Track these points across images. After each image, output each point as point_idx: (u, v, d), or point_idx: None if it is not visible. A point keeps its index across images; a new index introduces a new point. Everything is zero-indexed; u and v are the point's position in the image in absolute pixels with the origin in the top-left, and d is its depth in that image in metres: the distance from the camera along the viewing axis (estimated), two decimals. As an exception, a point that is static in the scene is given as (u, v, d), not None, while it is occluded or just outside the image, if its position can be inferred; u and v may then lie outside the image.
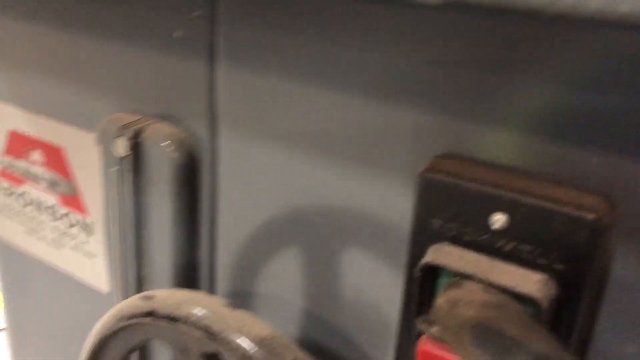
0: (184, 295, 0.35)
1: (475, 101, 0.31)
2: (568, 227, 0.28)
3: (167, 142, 0.43)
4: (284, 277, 0.42)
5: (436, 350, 0.31)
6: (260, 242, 0.43)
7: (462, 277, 0.30)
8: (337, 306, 0.41)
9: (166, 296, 0.36)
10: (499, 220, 0.29)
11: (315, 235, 0.40)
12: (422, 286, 0.31)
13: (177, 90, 0.44)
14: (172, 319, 0.34)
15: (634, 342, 0.29)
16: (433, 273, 0.31)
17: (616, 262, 0.29)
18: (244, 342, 0.30)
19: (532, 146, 0.30)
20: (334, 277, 0.40)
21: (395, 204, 0.35)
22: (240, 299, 0.45)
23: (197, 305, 0.33)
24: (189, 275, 0.46)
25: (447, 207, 0.31)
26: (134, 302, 0.37)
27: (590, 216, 0.27)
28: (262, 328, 0.31)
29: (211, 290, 0.47)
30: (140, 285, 0.48)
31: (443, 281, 0.30)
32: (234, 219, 0.43)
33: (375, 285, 0.38)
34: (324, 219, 0.39)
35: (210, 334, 0.31)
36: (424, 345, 0.32)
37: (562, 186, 0.29)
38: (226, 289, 0.46)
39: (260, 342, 0.30)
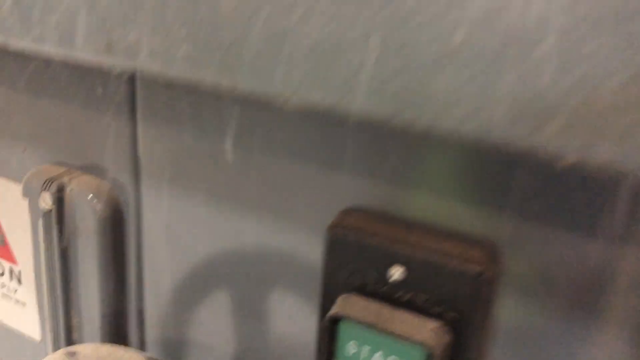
0: (107, 350, 0.36)
1: (376, 159, 0.33)
2: (456, 279, 0.30)
3: (91, 195, 0.44)
4: (211, 324, 0.44)
5: (346, 395, 0.33)
6: (187, 290, 0.44)
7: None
8: (265, 352, 0.42)
9: (90, 352, 0.36)
10: (396, 272, 0.32)
11: (238, 282, 0.41)
12: (331, 336, 0.33)
13: (101, 142, 0.45)
14: (95, 375, 0.35)
15: (521, 380, 0.32)
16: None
17: (503, 309, 0.32)
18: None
19: (427, 200, 0.33)
20: (259, 324, 0.42)
21: (310, 252, 0.37)
22: (170, 347, 0.46)
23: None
24: (118, 325, 0.47)
25: (351, 260, 0.33)
26: (57, 358, 0.37)
27: (474, 269, 0.30)
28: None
29: (141, 338, 0.48)
30: (70, 334, 0.49)
31: (344, 327, 0.33)
32: (159, 269, 0.45)
33: (299, 331, 0.40)
34: (246, 267, 0.41)
35: (130, 391, 0.32)
36: (335, 391, 0.34)
37: (453, 239, 0.32)
38: (156, 337, 0.47)
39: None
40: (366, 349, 0.32)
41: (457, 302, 0.31)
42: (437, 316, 0.31)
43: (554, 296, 0.30)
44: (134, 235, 0.45)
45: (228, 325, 0.43)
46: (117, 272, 0.45)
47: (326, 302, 0.34)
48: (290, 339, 0.40)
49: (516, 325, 0.32)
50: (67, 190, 0.45)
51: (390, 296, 0.32)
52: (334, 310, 0.33)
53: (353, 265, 0.33)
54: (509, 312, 0.32)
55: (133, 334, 0.48)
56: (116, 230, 0.45)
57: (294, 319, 0.40)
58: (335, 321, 0.33)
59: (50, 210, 0.45)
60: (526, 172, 0.29)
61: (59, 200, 0.45)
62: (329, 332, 0.33)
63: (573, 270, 0.30)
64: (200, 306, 0.44)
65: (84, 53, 0.29)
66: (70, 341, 0.49)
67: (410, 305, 0.32)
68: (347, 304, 0.33)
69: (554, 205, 0.29)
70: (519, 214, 0.30)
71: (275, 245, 0.39)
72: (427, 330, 0.31)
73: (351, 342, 0.33)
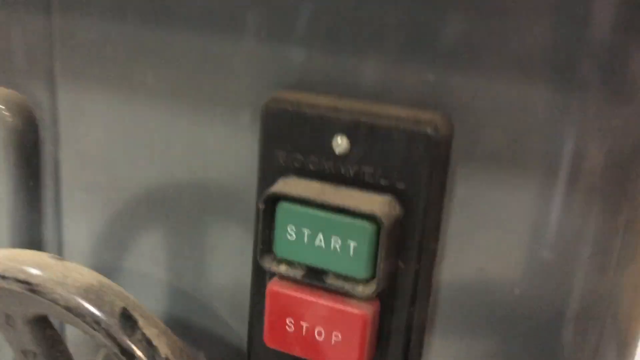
0: (7, 251, 0.31)
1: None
2: (407, 143, 0.27)
3: (2, 107, 0.39)
4: (139, 249, 0.39)
5: (284, 289, 0.29)
6: (110, 213, 0.39)
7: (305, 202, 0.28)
8: (200, 279, 0.38)
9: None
10: (341, 144, 0.28)
11: (173, 202, 0.37)
12: (268, 221, 0.29)
13: (11, 49, 0.40)
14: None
15: (473, 256, 0.29)
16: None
17: (456, 182, 0.28)
18: (65, 292, 0.27)
19: (368, 70, 0.29)
20: (192, 245, 0.37)
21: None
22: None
23: (18, 258, 0.29)
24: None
25: (290, 137, 0.29)
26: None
27: (428, 130, 0.27)
28: (91, 277, 0.28)
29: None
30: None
31: (283, 208, 0.29)
32: (80, 189, 0.40)
33: (236, 251, 0.36)
34: (181, 189, 0.36)
35: (30, 287, 0.27)
36: (273, 285, 0.30)
37: (400, 106, 0.28)
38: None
39: (85, 290, 0.27)
40: (306, 232, 0.28)
41: (408, 171, 0.27)
42: (387, 190, 0.28)
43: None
44: (50, 151, 0.40)
45: (161, 252, 0.38)
46: (32, 194, 0.40)
47: (264, 189, 0.30)
48: (231, 267, 0.36)
49: (469, 194, 0.28)
50: (-26, 102, 0.40)
51: (334, 174, 0.29)
52: (272, 189, 0.29)
53: (292, 142, 0.29)
54: (460, 181, 0.28)
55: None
56: (31, 145, 0.40)
57: (233, 240, 0.36)
58: (274, 202, 0.29)
59: (-46, 125, 0.40)
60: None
61: (-37, 111, 0.39)
62: (265, 218, 0.29)
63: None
64: (127, 231, 0.39)
65: None
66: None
67: (356, 181, 0.29)
68: (287, 185, 0.29)
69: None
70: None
71: (210, 162, 0.35)
72: (374, 202, 0.27)
73: (290, 225, 0.29)
